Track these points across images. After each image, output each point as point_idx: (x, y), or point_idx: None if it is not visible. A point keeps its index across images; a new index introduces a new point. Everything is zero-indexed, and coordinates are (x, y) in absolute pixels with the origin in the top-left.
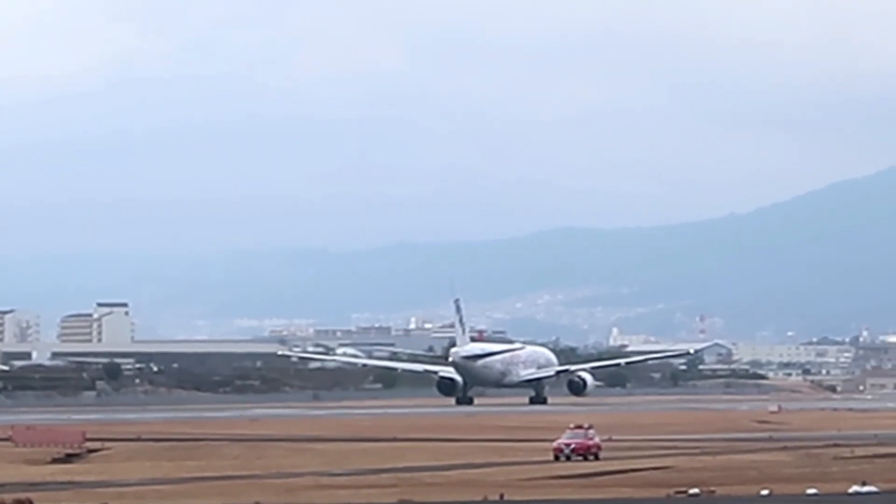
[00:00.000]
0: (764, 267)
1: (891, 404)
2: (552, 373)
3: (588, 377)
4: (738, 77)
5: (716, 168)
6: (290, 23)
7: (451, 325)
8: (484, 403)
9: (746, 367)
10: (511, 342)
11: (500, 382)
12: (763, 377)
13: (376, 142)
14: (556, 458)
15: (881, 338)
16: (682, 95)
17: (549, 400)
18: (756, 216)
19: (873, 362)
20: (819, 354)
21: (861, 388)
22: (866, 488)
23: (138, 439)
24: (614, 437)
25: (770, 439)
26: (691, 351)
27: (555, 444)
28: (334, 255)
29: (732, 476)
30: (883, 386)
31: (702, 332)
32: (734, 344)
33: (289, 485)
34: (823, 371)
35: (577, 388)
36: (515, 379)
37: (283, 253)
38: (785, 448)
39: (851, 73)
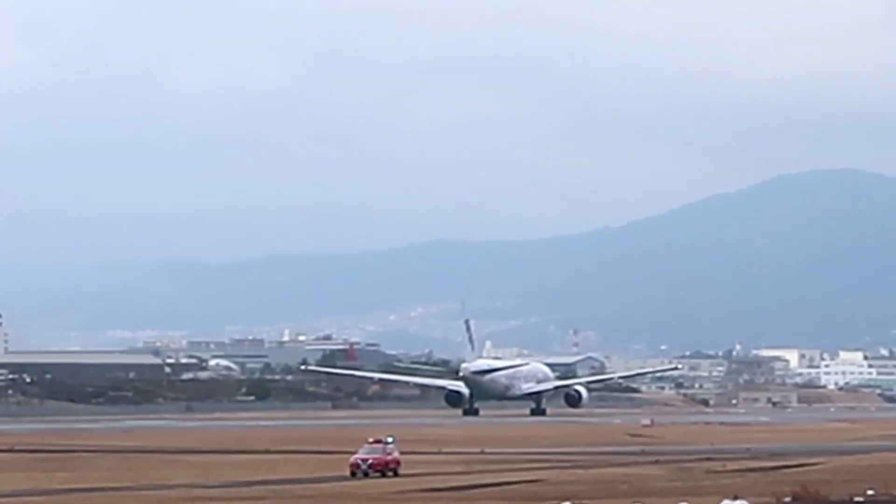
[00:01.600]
0: (637, 280)
1: (763, 418)
2: (551, 387)
3: (583, 391)
4: (614, 91)
5: (590, 181)
6: (166, 38)
7: (326, 338)
8: (488, 414)
9: (619, 380)
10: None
11: (504, 395)
12: (636, 390)
13: (250, 155)
14: (353, 475)
15: (754, 352)
16: (556, 109)
17: (548, 411)
18: (630, 229)
19: (746, 376)
20: (692, 368)
21: (734, 401)
22: (738, 502)
23: (11, 450)
24: (487, 451)
25: (643, 453)
26: (678, 366)
27: (351, 460)
28: (207, 267)
29: (604, 489)
30: (756, 400)
31: (575, 345)
32: (607, 357)
33: (160, 497)
34: (696, 385)
35: (573, 400)
36: (518, 392)
37: (156, 265)
38: (657, 461)
39: (725, 87)
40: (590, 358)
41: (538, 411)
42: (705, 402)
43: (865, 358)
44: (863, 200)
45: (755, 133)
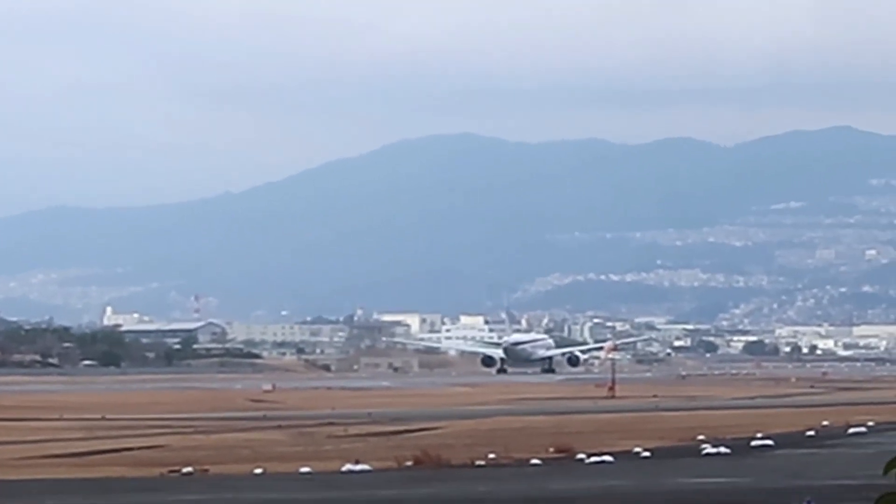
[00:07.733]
0: (258, 246)
1: (384, 383)
2: (559, 352)
3: (581, 354)
4: (233, 55)
5: (211, 147)
6: None
7: None
8: (514, 373)
9: (241, 346)
10: None
11: (527, 360)
12: (258, 356)
13: None
14: None
15: (375, 316)
16: (174, 72)
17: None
18: (250, 195)
19: (368, 341)
20: (313, 334)
21: (355, 367)
22: (359, 466)
23: None
24: (108, 417)
25: (264, 418)
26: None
27: None
28: None
29: (226, 455)
30: (377, 365)
31: (196, 311)
32: (228, 323)
33: None
34: (318, 350)
35: (574, 361)
36: (536, 357)
37: None
38: (279, 427)
39: (344, 54)
40: (211, 324)
41: (549, 370)
42: (327, 368)
43: (486, 322)
44: (480, 165)
45: (375, 100)
